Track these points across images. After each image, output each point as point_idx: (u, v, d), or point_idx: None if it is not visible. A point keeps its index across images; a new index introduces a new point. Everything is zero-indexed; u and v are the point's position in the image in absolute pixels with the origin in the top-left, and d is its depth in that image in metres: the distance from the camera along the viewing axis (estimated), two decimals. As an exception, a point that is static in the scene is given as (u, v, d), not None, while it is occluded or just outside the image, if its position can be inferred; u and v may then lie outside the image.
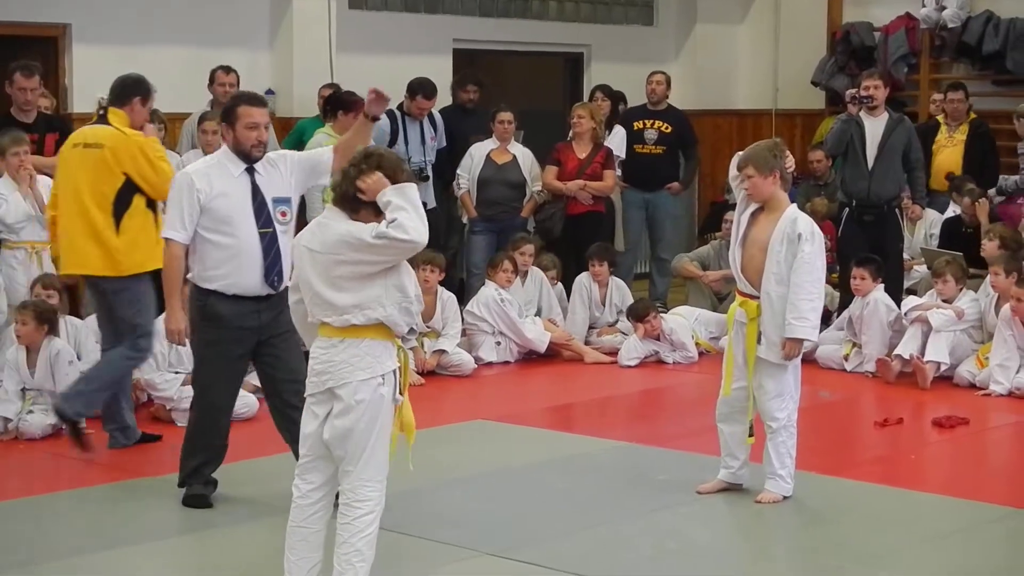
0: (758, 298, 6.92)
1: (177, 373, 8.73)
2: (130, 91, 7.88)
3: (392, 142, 11.15)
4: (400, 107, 11.62)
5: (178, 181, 6.81)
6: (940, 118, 13.05)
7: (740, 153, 7.09)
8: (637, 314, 10.81)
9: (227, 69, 11.31)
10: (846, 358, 10.48)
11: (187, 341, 7.10)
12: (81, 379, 7.98)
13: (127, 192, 7.77)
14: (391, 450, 5.45)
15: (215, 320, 6.76)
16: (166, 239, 6.79)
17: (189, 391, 8.65)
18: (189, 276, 6.85)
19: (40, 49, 11.45)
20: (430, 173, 11.51)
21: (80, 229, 7.81)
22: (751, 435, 7.04)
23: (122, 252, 7.77)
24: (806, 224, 6.90)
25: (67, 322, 8.95)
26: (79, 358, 8.69)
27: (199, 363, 7.00)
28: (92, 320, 9.20)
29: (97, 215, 7.75)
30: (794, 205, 7.04)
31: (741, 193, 7.04)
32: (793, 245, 6.83)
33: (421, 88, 11.63)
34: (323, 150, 7.08)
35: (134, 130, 7.80)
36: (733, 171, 7.10)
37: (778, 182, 6.94)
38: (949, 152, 12.79)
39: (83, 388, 7.80)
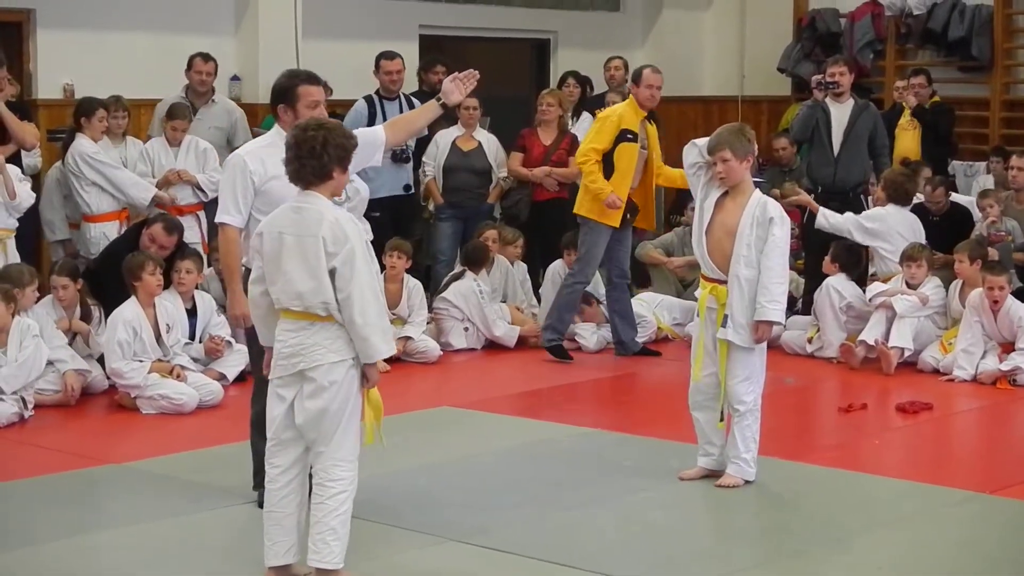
0: (727, 283, 6.94)
1: (141, 362, 8.69)
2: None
3: (370, 124, 10.98)
4: (378, 91, 11.58)
5: (231, 163, 6.56)
6: (904, 103, 13.12)
7: (699, 140, 7.08)
8: None
9: (206, 57, 11.21)
10: (810, 341, 10.54)
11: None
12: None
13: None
14: (368, 435, 5.50)
15: None
16: (220, 224, 6.55)
17: (154, 379, 8.67)
18: (244, 261, 6.54)
19: (3, 34, 11.38)
20: (411, 155, 11.41)
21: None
22: (721, 420, 7.07)
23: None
24: (776, 208, 6.92)
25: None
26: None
27: (256, 352, 6.45)
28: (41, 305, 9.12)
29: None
30: (758, 189, 7.07)
31: (701, 180, 7.05)
32: (763, 228, 6.84)
33: (382, 55, 11.60)
34: (376, 128, 6.90)
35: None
36: (691, 158, 7.08)
37: (749, 166, 6.97)
38: (911, 136, 12.86)
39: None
